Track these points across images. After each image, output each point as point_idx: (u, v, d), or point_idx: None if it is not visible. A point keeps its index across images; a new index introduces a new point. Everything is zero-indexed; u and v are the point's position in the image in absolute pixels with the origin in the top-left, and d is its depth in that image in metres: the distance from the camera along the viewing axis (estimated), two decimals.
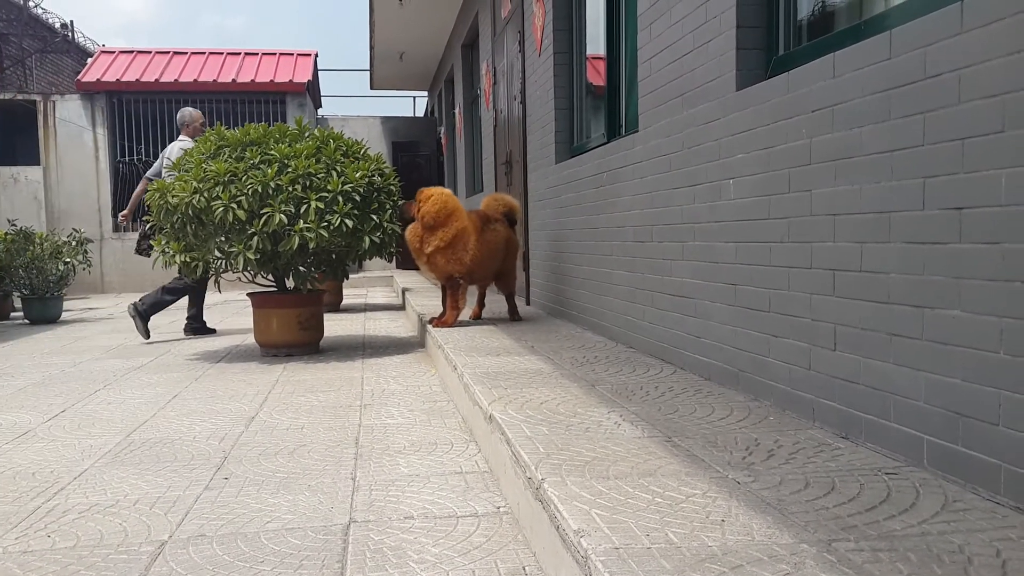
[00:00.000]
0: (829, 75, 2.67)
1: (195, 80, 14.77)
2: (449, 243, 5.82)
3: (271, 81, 15.00)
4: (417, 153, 16.40)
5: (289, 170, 5.61)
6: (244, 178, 5.57)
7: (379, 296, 12.22)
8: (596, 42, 5.78)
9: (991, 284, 2.03)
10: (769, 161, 3.06)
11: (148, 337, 7.30)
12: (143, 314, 7.21)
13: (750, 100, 3.20)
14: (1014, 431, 1.96)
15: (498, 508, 2.72)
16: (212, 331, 7.85)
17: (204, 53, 15.95)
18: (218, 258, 5.84)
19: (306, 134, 6.15)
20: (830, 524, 1.90)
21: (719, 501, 2.08)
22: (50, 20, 17.46)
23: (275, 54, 16.19)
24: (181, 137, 7.61)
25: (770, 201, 3.06)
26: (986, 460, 2.06)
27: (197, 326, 7.74)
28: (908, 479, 2.20)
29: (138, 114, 14.85)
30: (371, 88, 16.96)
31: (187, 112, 7.75)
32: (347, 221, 5.60)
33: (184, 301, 7.78)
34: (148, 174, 7.63)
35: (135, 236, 14.30)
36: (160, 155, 7.65)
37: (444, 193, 5.98)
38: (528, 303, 7.44)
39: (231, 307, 10.79)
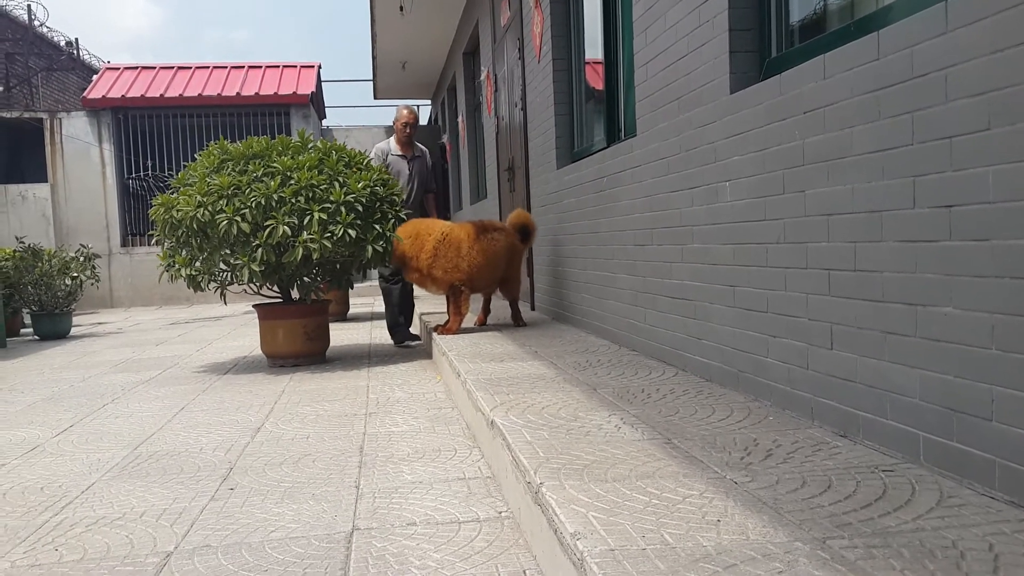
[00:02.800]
0: (820, 76, 2.69)
1: (199, 94, 14.87)
2: (434, 254, 5.96)
3: (275, 93, 15.08)
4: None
5: (292, 182, 5.66)
6: (247, 191, 5.62)
7: None
8: (595, 47, 5.81)
9: (981, 280, 2.04)
10: (764, 163, 3.07)
11: (416, 340, 7.13)
12: (401, 335, 7.10)
13: (744, 103, 3.22)
14: (1007, 426, 1.97)
15: (500, 513, 2.74)
16: (414, 337, 7.23)
17: (208, 67, 16.06)
18: (223, 270, 5.89)
19: (309, 146, 6.19)
20: (825, 522, 1.92)
21: (716, 501, 2.10)
22: (55, 38, 17.58)
23: (278, 66, 16.29)
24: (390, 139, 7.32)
25: (766, 203, 3.08)
26: (981, 455, 2.07)
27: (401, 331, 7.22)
28: (904, 476, 2.21)
29: (144, 129, 14.95)
30: (375, 98, 17.00)
31: (396, 111, 7.30)
32: (350, 231, 5.64)
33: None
34: None
35: (143, 251, 14.51)
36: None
37: (400, 231, 6.07)
38: (533, 308, 7.46)
39: (239, 319, 10.84)
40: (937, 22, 2.15)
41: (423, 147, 7.44)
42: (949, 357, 2.16)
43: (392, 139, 7.22)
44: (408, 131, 7.13)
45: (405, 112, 7.21)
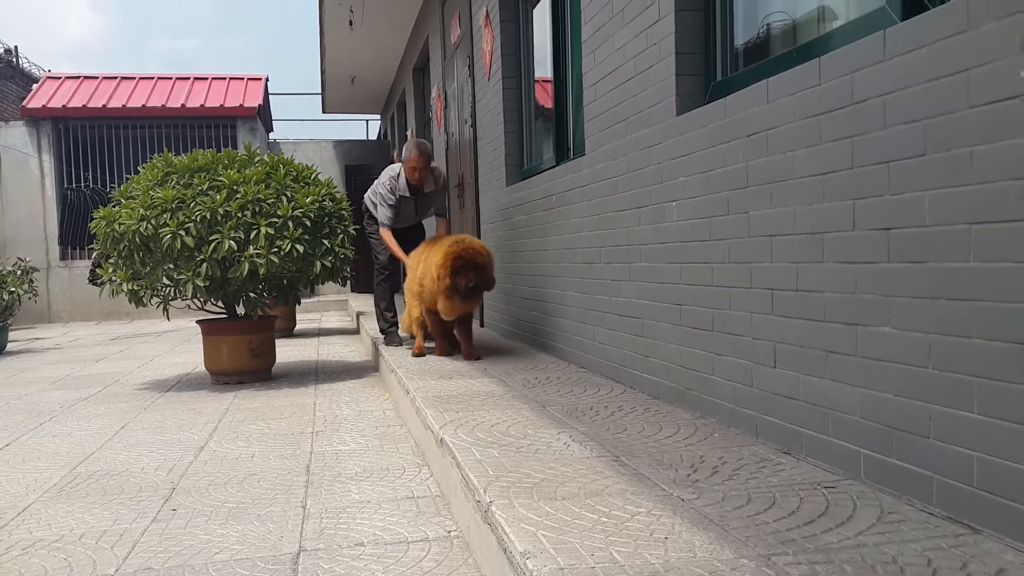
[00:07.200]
0: (763, 100, 2.75)
1: (143, 105, 14.60)
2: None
3: (221, 106, 14.87)
4: (370, 176, 16.25)
5: (238, 196, 5.58)
6: (192, 205, 5.53)
7: (333, 320, 12.14)
8: (544, 66, 5.86)
9: (918, 301, 2.11)
10: (709, 184, 3.13)
11: (400, 343, 6.28)
12: (388, 336, 6.42)
13: (690, 125, 3.28)
14: (944, 443, 2.03)
15: (449, 532, 2.73)
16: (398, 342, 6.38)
17: (153, 78, 15.78)
18: (166, 285, 5.78)
19: (256, 159, 6.13)
20: (770, 539, 1.95)
21: (663, 519, 2.12)
22: None
23: (225, 78, 16.07)
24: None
25: (711, 223, 3.13)
26: (919, 472, 2.13)
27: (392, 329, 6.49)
28: (846, 492, 2.26)
29: (85, 140, 14.62)
30: (323, 112, 16.92)
31: (405, 147, 6.19)
32: (297, 246, 5.59)
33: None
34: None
35: (83, 264, 14.15)
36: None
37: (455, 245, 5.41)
38: (482, 325, 7.46)
39: (181, 335, 10.64)
40: (876, 50, 2.22)
41: (438, 173, 6.32)
42: (888, 376, 2.22)
43: (403, 174, 6.14)
44: (418, 176, 6.06)
45: (415, 155, 6.00)
